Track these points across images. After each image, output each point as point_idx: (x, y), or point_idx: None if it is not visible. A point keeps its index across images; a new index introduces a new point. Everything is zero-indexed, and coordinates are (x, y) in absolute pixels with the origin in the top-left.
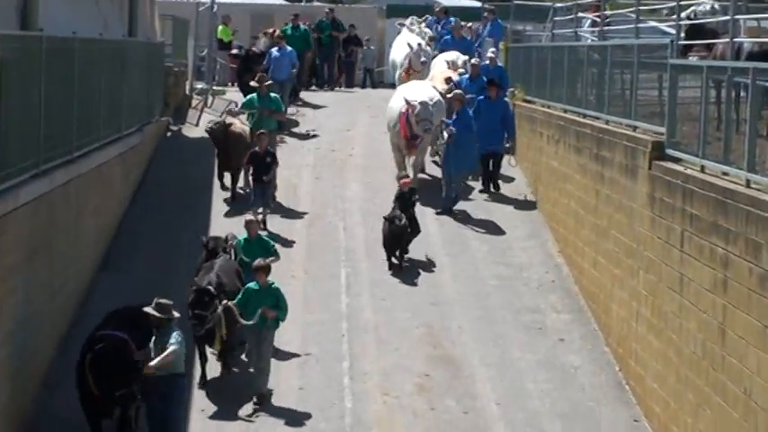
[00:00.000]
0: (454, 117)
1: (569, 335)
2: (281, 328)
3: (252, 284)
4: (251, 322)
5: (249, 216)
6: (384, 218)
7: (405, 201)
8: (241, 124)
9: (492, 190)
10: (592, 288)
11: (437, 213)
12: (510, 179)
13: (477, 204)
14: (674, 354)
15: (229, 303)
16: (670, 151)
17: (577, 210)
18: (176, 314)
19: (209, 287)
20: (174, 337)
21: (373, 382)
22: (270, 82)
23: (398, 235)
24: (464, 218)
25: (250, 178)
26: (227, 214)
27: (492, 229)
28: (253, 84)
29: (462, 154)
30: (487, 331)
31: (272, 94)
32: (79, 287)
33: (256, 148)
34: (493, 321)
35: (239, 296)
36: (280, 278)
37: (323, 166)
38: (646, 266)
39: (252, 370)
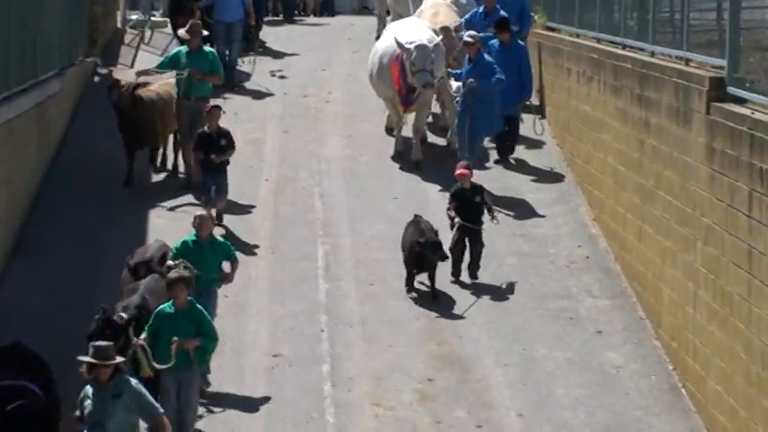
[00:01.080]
0: (468, 66)
1: (609, 326)
2: (243, 324)
3: (165, 306)
4: (168, 365)
5: (200, 211)
6: (418, 242)
7: (466, 202)
8: (159, 87)
9: (508, 157)
10: (637, 266)
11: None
12: (531, 141)
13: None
14: (743, 348)
15: (143, 343)
16: (733, 90)
17: (617, 166)
18: (119, 358)
19: (115, 318)
20: (148, 396)
21: (361, 389)
22: (206, 33)
23: (425, 266)
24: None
25: (198, 166)
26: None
27: (508, 192)
28: (182, 34)
29: (486, 111)
30: (504, 323)
31: (208, 49)
32: None
33: (205, 128)
34: (511, 310)
35: (149, 323)
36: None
37: (292, 117)
38: (705, 237)
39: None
